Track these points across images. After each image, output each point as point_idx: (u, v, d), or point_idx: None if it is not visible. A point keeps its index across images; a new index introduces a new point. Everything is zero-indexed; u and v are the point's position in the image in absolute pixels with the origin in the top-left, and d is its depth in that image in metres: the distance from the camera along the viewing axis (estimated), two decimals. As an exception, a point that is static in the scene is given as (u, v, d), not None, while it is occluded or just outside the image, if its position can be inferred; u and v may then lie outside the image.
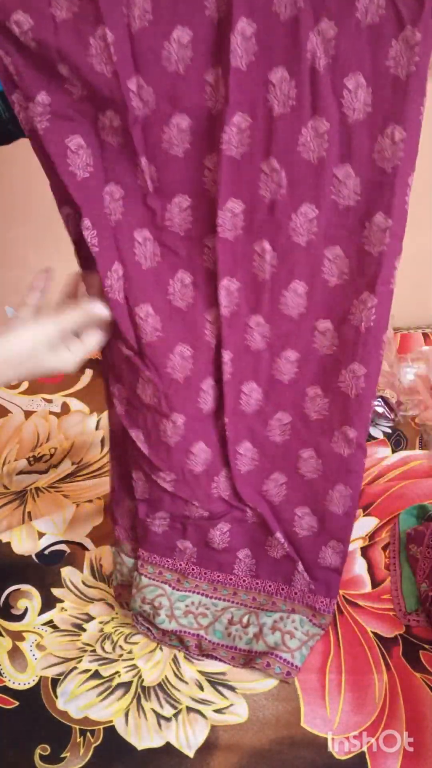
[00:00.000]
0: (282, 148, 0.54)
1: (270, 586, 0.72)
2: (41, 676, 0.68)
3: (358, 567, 0.78)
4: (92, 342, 0.61)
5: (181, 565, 0.73)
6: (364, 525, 0.83)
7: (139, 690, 0.67)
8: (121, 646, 0.71)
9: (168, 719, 0.64)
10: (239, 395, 0.66)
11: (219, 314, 0.61)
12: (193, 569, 0.73)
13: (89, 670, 0.69)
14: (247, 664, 0.69)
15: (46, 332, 0.58)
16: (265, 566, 0.73)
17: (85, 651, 0.70)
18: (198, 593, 0.73)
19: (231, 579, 0.73)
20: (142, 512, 0.71)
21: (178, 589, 0.72)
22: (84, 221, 0.56)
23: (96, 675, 0.68)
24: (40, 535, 0.82)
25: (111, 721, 0.64)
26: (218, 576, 0.73)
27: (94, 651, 0.70)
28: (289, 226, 0.57)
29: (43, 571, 0.78)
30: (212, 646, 0.70)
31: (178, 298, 0.62)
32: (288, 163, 0.55)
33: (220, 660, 0.70)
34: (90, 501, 0.86)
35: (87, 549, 0.82)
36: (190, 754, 0.62)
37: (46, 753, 0.63)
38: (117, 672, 0.68)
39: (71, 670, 0.69)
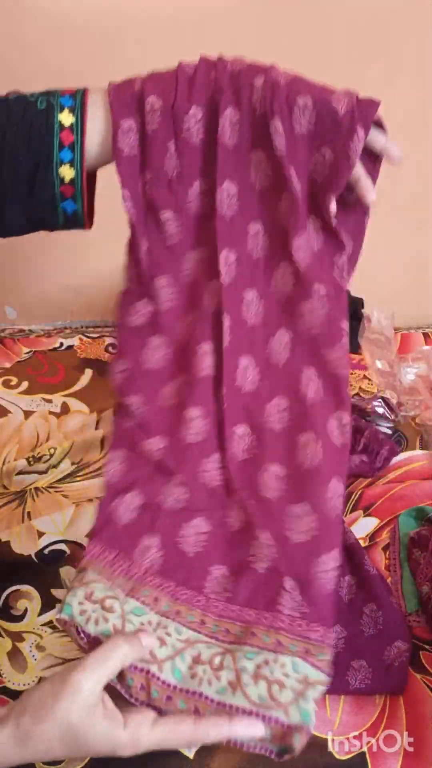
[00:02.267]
0: None
1: (249, 613, 0.56)
2: (41, 677, 0.68)
3: (359, 567, 0.78)
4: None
5: (137, 572, 0.57)
6: (364, 525, 0.83)
7: (139, 690, 0.67)
8: (120, 647, 0.71)
9: (168, 720, 0.64)
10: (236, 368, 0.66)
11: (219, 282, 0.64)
12: (151, 581, 0.57)
13: (89, 671, 0.68)
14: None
15: (83, 701, 0.44)
16: (245, 587, 0.57)
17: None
18: (157, 612, 0.55)
19: (199, 601, 0.57)
20: (108, 498, 0.62)
21: (133, 597, 0.56)
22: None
23: (96, 675, 0.68)
24: (40, 534, 0.82)
25: (111, 722, 0.64)
26: (183, 594, 0.57)
27: (93, 651, 0.70)
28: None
29: (43, 571, 0.78)
30: (166, 690, 0.51)
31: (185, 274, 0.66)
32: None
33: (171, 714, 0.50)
34: (90, 501, 0.86)
35: (87, 549, 0.82)
36: (190, 754, 0.62)
37: (46, 753, 0.62)
38: (117, 672, 0.68)
39: (71, 671, 0.68)
